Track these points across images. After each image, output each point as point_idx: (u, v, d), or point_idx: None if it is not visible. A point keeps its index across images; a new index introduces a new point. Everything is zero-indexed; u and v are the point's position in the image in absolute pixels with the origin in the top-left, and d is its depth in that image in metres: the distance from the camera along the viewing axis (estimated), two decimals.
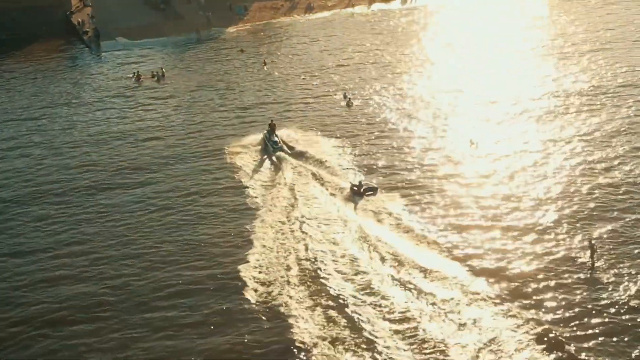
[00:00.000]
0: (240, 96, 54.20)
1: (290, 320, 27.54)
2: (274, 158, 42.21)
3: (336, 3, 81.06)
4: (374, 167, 40.69)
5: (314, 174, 39.66)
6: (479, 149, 42.06)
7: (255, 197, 37.61)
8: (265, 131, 44.53)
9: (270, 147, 42.88)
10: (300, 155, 42.20)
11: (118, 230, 35.26)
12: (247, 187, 38.86)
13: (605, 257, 30.60)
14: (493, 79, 54.31)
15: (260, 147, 44.01)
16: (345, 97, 52.13)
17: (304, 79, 57.55)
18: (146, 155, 43.98)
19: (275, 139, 43.27)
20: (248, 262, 31.56)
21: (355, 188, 37.06)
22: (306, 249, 32.35)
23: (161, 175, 41.14)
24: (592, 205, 35.10)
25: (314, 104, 51.75)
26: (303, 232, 33.80)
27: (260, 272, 30.96)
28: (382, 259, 31.23)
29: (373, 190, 37.33)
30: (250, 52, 65.68)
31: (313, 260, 31.41)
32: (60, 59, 65.68)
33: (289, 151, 42.65)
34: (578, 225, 33.38)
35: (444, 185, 37.98)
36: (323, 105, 51.52)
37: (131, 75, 59.07)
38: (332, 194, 37.48)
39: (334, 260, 31.44)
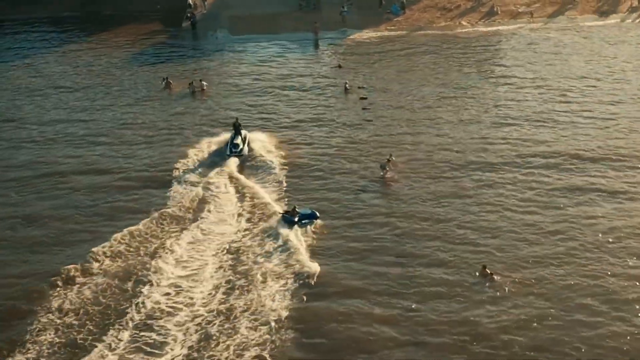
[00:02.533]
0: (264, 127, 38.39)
1: None
2: (223, 164, 34.48)
3: (533, 10, 59.18)
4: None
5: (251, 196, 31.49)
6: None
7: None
8: (233, 132, 36.62)
9: (227, 149, 35.54)
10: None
11: None
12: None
13: None
14: None
15: (218, 149, 35.99)
16: (389, 159, 33.38)
17: (369, 120, 39.33)
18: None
19: (237, 141, 35.75)
20: None
21: (287, 215, 29.29)
22: None
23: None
24: None
25: (337, 165, 34.08)
26: None
27: None
28: None
29: (311, 217, 29.31)
30: (354, 69, 47.81)
31: None
32: (133, 46, 53.49)
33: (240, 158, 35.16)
34: None
35: None
36: (348, 167, 33.86)
37: (161, 81, 45.44)
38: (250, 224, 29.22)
39: None
